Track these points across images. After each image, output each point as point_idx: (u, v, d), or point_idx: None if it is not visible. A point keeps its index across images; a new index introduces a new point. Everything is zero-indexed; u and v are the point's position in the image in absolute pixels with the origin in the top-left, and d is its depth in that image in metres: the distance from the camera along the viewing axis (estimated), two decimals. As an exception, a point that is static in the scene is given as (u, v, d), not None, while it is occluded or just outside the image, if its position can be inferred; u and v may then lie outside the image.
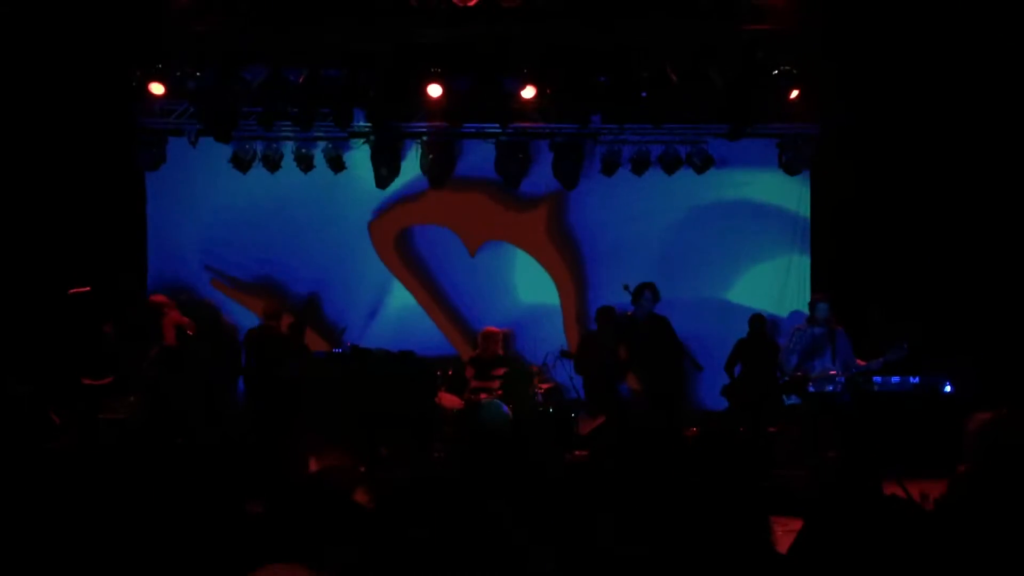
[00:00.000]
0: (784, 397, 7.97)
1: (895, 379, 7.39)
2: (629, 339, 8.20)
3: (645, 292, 8.14)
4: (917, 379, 7.33)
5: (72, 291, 7.94)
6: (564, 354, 9.24)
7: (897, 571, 2.96)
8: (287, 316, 9.10)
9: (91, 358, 7.88)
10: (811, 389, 7.66)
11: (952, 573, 2.97)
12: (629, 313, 8.41)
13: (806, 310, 9.93)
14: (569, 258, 10.36)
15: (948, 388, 7.22)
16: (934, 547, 3.18)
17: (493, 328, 9.47)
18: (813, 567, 2.97)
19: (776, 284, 10.24)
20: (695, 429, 8.53)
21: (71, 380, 7.63)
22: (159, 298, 8.51)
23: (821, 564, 2.98)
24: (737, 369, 9.30)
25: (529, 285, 10.31)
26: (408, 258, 10.29)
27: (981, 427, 3.52)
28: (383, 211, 10.27)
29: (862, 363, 7.77)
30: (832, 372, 7.74)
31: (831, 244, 9.96)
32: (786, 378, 7.91)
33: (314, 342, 9.48)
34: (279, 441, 7.01)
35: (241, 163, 9.80)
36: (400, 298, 10.24)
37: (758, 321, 9.38)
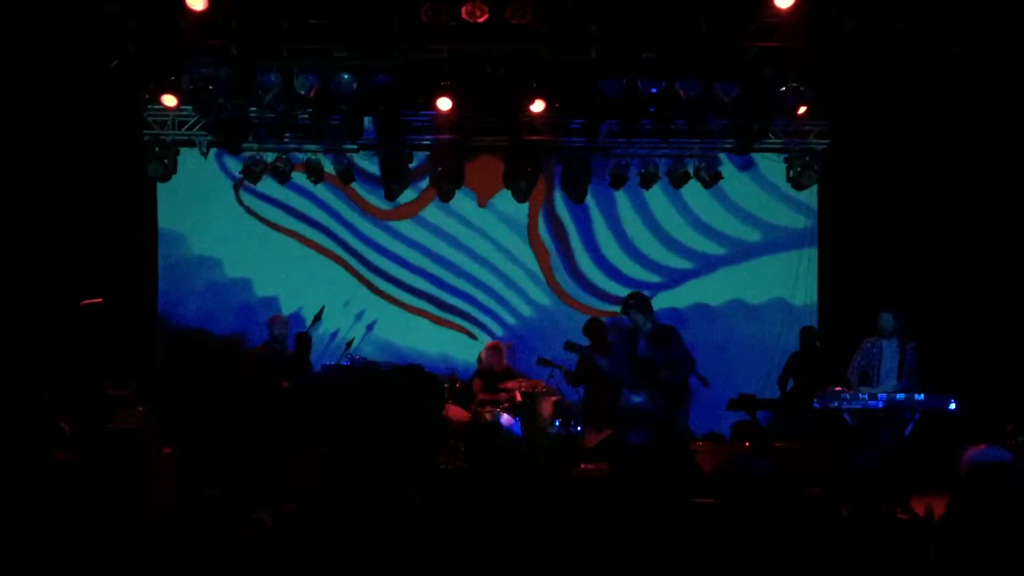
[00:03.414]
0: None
1: (900, 396, 7.40)
2: (627, 352, 8.13)
3: (629, 301, 7.96)
4: (922, 396, 7.34)
5: (84, 302, 8.01)
6: (569, 346, 8.92)
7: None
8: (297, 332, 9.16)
9: (107, 368, 7.98)
10: (816, 405, 7.66)
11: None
12: (626, 326, 8.36)
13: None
14: (569, 266, 10.44)
15: (953, 406, 7.23)
16: (935, 563, 3.23)
17: (497, 342, 9.53)
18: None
19: (784, 295, 10.28)
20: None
21: (92, 390, 7.73)
22: None
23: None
24: (789, 384, 9.32)
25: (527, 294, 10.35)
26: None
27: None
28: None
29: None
30: (837, 389, 7.73)
31: (839, 260, 10.03)
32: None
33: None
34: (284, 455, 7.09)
35: (251, 174, 9.89)
36: (399, 308, 10.27)
37: (808, 334, 9.37)
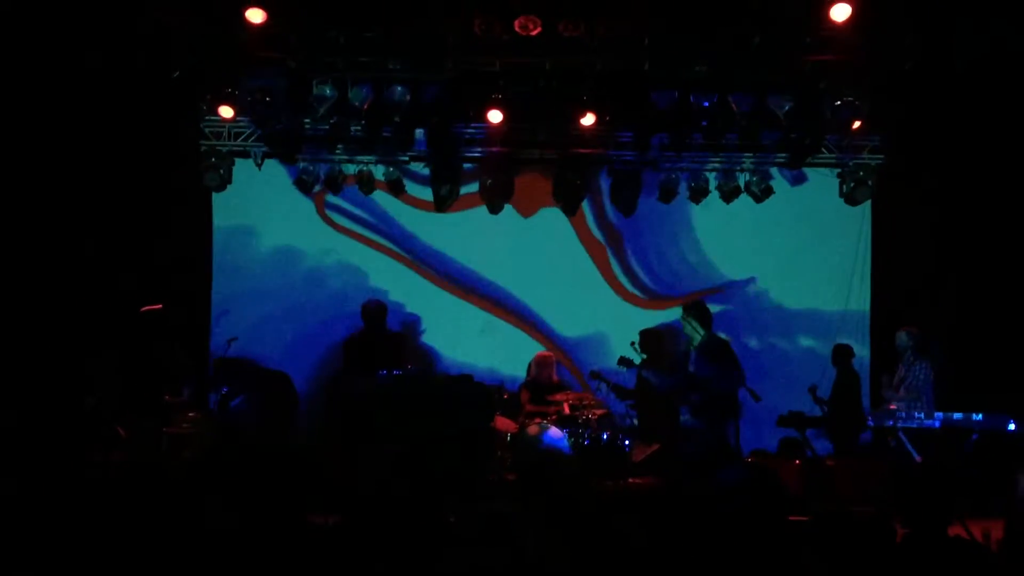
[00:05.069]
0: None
1: (957, 416, 7.26)
2: (680, 365, 8.13)
3: (688, 311, 8.02)
4: (980, 416, 7.19)
5: (144, 308, 8.16)
6: (622, 362, 8.81)
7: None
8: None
9: (166, 374, 8.13)
10: (870, 423, 7.58)
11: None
12: (681, 338, 8.36)
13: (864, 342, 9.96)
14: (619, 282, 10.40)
15: (1012, 426, 7.07)
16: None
17: (546, 353, 9.50)
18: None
19: (835, 313, 10.14)
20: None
21: (151, 396, 7.88)
22: None
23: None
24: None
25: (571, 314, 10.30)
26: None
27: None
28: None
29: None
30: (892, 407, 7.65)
31: (893, 276, 9.88)
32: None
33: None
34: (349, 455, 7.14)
35: (305, 185, 10.02)
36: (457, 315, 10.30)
37: (841, 352, 9.38)
